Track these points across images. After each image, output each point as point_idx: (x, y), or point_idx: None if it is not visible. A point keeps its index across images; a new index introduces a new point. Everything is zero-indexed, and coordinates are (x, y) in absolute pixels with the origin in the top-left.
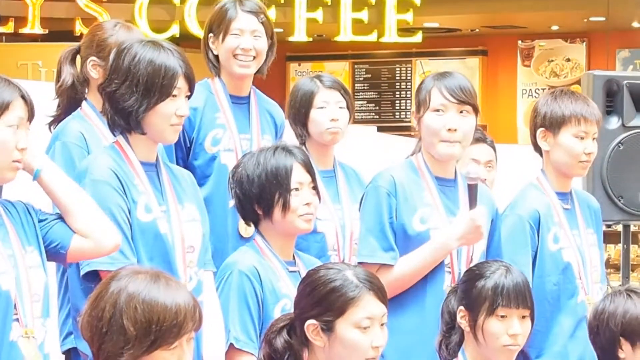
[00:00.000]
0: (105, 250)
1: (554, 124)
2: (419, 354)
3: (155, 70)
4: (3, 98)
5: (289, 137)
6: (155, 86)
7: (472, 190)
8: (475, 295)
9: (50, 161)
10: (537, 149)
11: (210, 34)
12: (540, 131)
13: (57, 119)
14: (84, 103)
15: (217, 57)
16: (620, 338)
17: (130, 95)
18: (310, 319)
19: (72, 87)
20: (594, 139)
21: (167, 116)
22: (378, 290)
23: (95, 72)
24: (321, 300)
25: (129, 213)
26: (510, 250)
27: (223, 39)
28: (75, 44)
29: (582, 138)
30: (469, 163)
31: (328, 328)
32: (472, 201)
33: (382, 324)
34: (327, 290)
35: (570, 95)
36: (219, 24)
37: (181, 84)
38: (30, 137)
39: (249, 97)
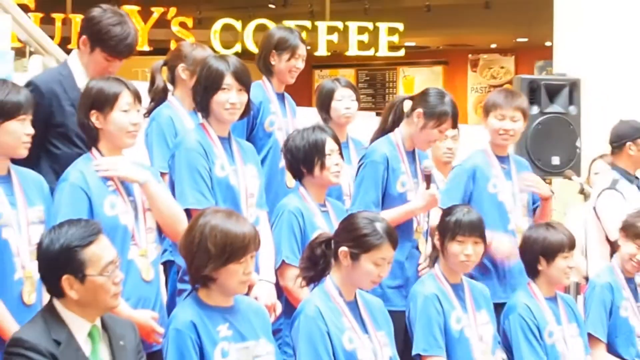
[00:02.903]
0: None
1: (486, 110)
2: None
3: (209, 72)
4: (114, 91)
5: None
6: (208, 83)
7: (428, 177)
8: (443, 226)
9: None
10: None
11: (274, 50)
12: (482, 116)
13: (149, 111)
14: (170, 97)
15: (272, 65)
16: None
17: (198, 92)
18: (343, 246)
19: (163, 89)
20: (514, 120)
21: (221, 104)
22: (394, 240)
23: (185, 75)
24: (355, 238)
25: (210, 171)
26: (447, 192)
27: (289, 59)
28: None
29: (501, 119)
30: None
31: (354, 257)
32: (428, 183)
33: (389, 262)
34: (361, 233)
35: (499, 91)
36: (285, 48)
37: (229, 81)
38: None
39: (282, 93)
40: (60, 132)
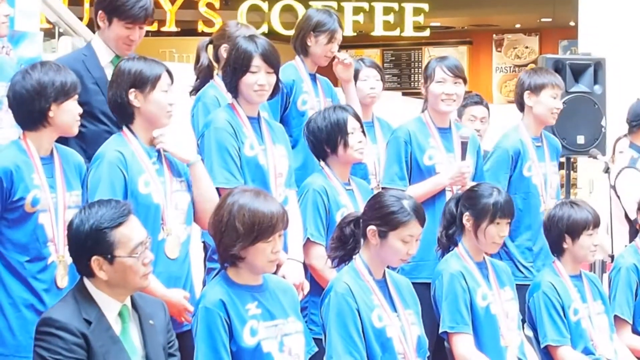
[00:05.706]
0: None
1: (537, 88)
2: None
3: (238, 54)
4: (156, 71)
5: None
6: (237, 64)
7: (463, 146)
8: (480, 207)
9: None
10: (520, 105)
11: (312, 32)
12: (529, 94)
13: (195, 89)
14: (215, 76)
15: (308, 46)
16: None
17: (227, 73)
18: (372, 225)
19: (208, 66)
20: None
21: (250, 85)
22: (421, 217)
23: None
24: (383, 216)
25: (239, 150)
26: (494, 174)
27: (328, 42)
28: (197, 38)
29: (555, 97)
30: (468, 120)
31: (383, 235)
32: (463, 154)
33: (417, 240)
34: (388, 211)
35: (545, 70)
36: (324, 31)
37: (258, 62)
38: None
39: (314, 73)
40: (86, 111)
